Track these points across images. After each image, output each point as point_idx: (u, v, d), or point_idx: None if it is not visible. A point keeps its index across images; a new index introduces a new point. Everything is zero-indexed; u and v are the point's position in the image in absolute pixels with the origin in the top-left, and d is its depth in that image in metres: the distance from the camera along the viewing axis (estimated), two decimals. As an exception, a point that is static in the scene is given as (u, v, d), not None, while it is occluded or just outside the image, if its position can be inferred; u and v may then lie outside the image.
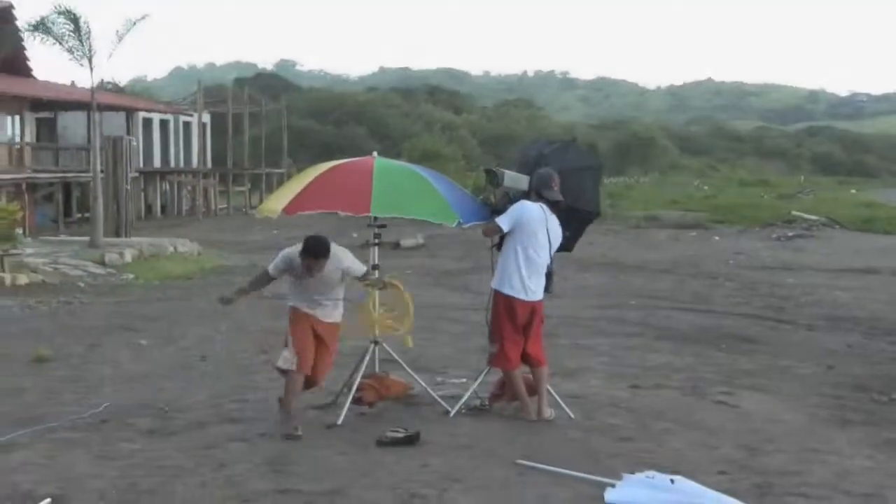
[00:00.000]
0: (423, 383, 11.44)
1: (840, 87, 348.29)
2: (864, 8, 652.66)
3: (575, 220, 11.58)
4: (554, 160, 11.49)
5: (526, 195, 11.08)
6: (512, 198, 11.14)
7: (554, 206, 10.98)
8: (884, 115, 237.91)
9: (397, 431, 9.87)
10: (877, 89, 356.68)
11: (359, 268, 10.75)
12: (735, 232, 45.48)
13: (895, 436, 11.11)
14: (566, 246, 11.65)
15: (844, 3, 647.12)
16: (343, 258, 10.65)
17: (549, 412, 10.97)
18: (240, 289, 11.45)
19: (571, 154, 12.10)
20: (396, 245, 33.01)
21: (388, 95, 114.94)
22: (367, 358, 11.08)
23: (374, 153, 11.71)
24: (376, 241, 11.34)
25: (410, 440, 9.71)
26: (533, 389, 11.17)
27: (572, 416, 11.06)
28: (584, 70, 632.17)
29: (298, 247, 10.46)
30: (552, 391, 11.21)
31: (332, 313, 10.77)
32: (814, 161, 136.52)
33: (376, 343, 11.16)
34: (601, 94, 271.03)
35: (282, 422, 10.41)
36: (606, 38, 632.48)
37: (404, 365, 11.40)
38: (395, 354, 11.30)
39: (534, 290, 10.97)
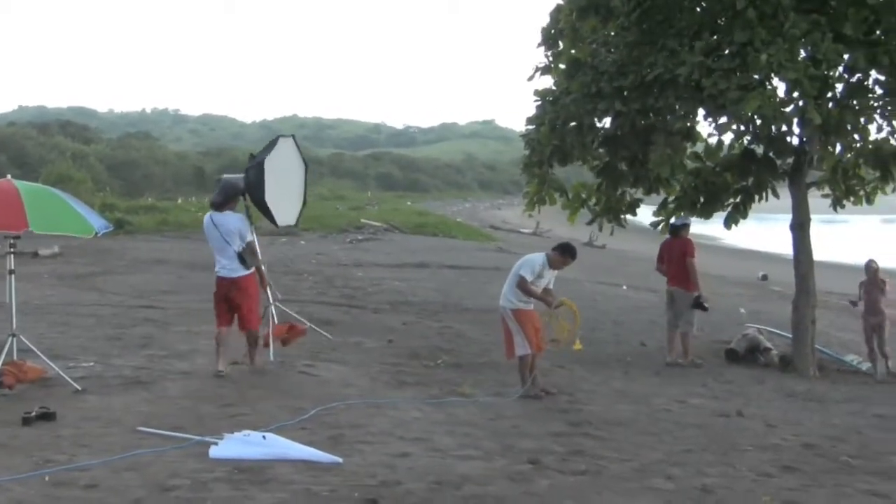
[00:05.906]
0: (56, 368, 11.00)
1: (397, 121, 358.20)
2: (406, 58, 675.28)
3: (257, 202, 12.82)
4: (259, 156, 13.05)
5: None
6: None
7: (219, 206, 12.15)
8: (430, 144, 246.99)
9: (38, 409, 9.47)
10: (425, 123, 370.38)
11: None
12: (317, 237, 45.83)
13: (438, 392, 11.63)
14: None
15: (390, 54, 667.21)
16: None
17: (259, 362, 12.34)
18: None
19: (261, 152, 13.21)
20: (35, 254, 31.30)
21: (25, 129, 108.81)
22: (7, 348, 10.57)
23: (9, 176, 11.23)
24: (12, 250, 10.87)
25: (49, 416, 9.34)
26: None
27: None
28: (193, 107, 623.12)
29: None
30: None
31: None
32: (378, 179, 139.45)
33: (14, 336, 10.69)
34: (207, 127, 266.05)
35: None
36: (210, 80, 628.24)
37: (39, 353, 11.01)
38: (31, 345, 10.87)
39: (221, 268, 12.10)
